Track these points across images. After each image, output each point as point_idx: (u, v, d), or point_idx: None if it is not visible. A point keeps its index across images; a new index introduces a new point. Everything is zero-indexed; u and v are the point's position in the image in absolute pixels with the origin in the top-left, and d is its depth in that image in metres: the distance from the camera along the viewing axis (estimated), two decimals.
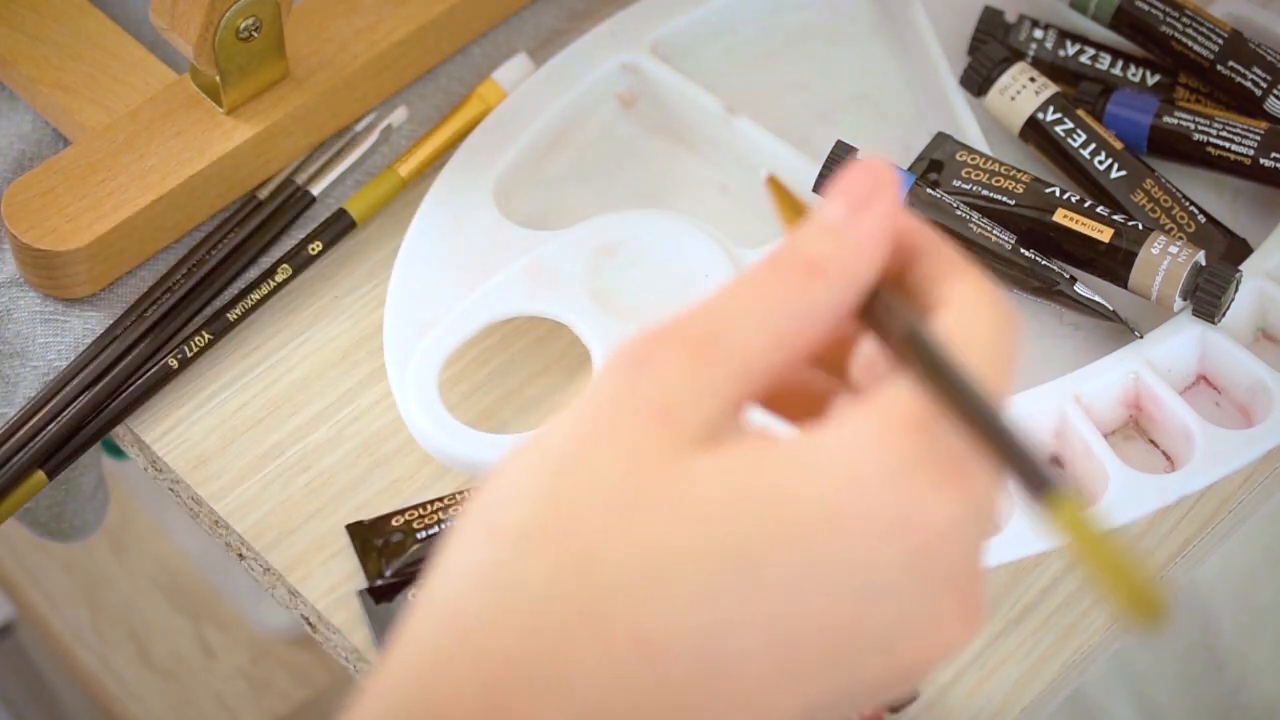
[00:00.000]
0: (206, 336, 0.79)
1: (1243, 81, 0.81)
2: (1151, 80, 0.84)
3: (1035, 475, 0.45)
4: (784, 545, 0.45)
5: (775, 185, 0.52)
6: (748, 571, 0.45)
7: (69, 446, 0.77)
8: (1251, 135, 0.80)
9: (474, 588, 0.46)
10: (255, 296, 0.80)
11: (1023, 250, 0.77)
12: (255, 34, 0.79)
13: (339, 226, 0.82)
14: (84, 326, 0.79)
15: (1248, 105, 0.81)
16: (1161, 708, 1.07)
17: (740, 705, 0.46)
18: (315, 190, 0.83)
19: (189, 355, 0.78)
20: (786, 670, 0.46)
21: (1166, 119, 0.81)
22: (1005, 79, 0.82)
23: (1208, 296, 0.75)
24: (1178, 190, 0.80)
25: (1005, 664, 0.72)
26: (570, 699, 0.45)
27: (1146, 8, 0.82)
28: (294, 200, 0.82)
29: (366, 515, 0.75)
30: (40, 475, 0.77)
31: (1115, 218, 0.77)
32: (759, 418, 0.49)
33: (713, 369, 0.47)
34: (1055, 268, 0.77)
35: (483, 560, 0.46)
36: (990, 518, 0.48)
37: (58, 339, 0.79)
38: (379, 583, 0.73)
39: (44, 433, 0.77)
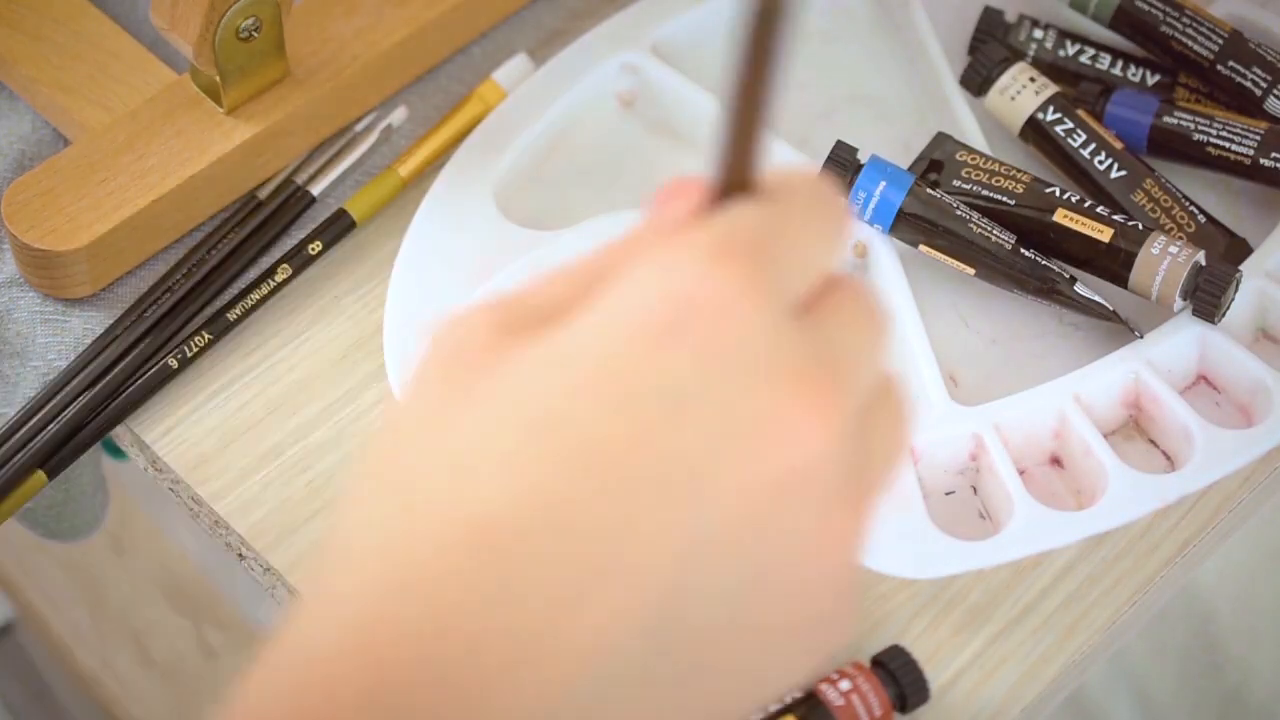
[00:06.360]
0: (206, 336, 0.79)
1: (1243, 81, 0.81)
2: (1151, 80, 0.84)
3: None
4: None
5: None
6: None
7: (69, 446, 0.77)
8: (1251, 135, 0.80)
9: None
10: (255, 296, 0.80)
11: (1023, 250, 0.77)
12: (255, 34, 0.79)
13: (339, 226, 0.82)
14: (84, 326, 0.79)
15: (1248, 105, 0.81)
16: (1161, 708, 1.07)
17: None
18: (315, 190, 0.83)
19: (189, 355, 0.78)
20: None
21: (1166, 119, 0.81)
22: (1005, 79, 0.82)
23: (1208, 296, 0.75)
24: (1178, 190, 0.80)
25: (1005, 664, 0.72)
26: None
27: (1146, 8, 0.82)
28: (294, 200, 0.82)
29: None
30: (40, 475, 0.77)
31: (1115, 218, 0.77)
32: None
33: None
34: (1055, 268, 0.77)
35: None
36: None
37: (58, 339, 0.79)
38: None
39: (44, 433, 0.77)
